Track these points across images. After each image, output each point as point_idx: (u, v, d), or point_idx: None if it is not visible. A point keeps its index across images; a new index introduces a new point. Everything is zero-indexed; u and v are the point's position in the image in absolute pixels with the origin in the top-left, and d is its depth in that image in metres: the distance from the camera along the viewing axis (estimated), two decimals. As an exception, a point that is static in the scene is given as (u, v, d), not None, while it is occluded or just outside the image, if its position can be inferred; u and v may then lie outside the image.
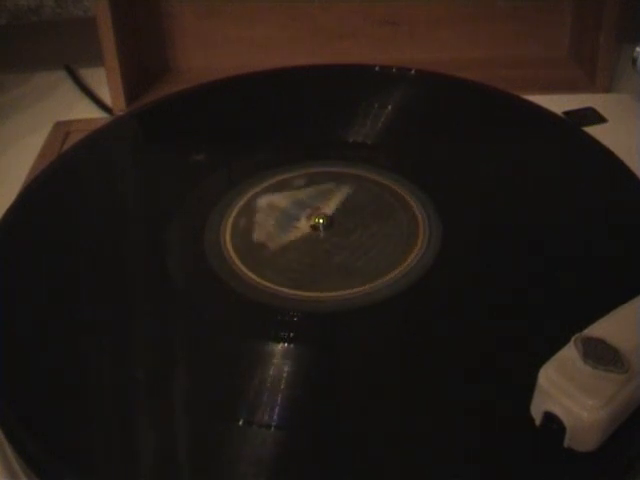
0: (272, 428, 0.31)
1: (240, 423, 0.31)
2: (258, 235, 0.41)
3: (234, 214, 0.44)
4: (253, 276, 0.39)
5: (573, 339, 0.30)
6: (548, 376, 0.29)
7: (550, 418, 0.29)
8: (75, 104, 0.62)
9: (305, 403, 0.33)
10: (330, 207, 0.43)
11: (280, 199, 0.44)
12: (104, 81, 0.60)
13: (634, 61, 0.54)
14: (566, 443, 0.29)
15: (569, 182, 0.45)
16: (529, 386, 0.30)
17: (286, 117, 0.52)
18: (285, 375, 0.34)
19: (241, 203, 0.44)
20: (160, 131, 0.53)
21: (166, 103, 0.55)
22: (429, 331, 0.36)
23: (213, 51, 0.65)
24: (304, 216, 0.43)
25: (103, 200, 0.45)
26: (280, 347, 0.35)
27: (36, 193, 0.45)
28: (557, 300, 0.37)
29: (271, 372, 0.34)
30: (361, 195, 0.45)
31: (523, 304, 0.37)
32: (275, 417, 0.32)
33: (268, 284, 0.39)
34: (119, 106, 0.60)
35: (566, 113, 0.54)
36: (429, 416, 0.32)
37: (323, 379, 0.34)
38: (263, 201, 0.44)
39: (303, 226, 0.42)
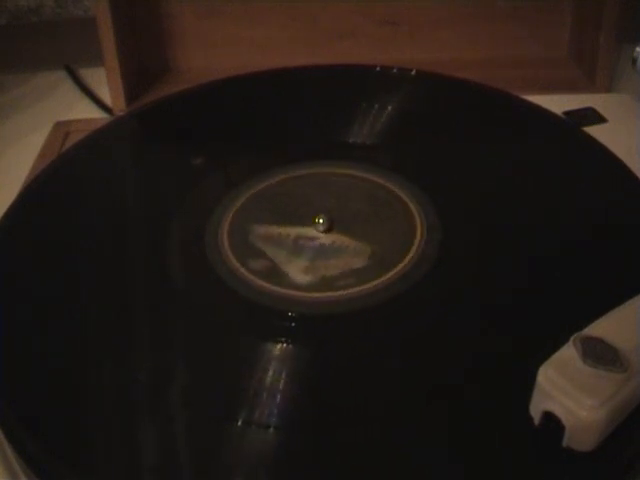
0: (271, 428, 0.31)
1: (239, 423, 0.31)
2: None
3: (234, 214, 0.44)
4: (252, 276, 0.39)
5: (572, 338, 0.30)
6: (547, 375, 0.29)
7: (549, 418, 0.29)
8: (75, 104, 0.62)
9: (304, 403, 0.33)
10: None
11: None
12: (104, 81, 0.60)
13: (634, 61, 0.54)
14: (565, 443, 0.29)
15: (569, 182, 0.45)
16: (528, 386, 0.30)
17: (286, 117, 0.52)
18: (284, 375, 0.34)
19: (241, 204, 0.44)
20: (160, 131, 0.53)
21: (166, 103, 0.55)
22: (428, 331, 0.36)
23: (213, 51, 0.65)
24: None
25: (103, 200, 0.45)
26: (279, 347, 0.35)
27: (36, 193, 0.45)
28: (556, 300, 0.37)
29: (270, 372, 0.34)
30: (361, 195, 0.45)
31: (522, 304, 0.37)
32: (274, 417, 0.32)
33: (267, 284, 0.39)
34: (119, 106, 0.60)
35: (566, 113, 0.54)
36: (428, 416, 0.32)
37: (322, 379, 0.34)
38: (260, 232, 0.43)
39: (304, 228, 0.43)
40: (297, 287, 0.39)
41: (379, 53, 0.65)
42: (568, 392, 0.28)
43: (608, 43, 0.58)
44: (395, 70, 0.55)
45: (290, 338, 0.35)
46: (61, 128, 0.57)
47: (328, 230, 0.42)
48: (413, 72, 0.55)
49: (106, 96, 0.61)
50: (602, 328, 0.31)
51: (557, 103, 0.54)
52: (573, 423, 0.28)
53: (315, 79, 0.56)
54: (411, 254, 0.40)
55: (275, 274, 0.40)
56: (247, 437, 0.31)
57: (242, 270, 0.40)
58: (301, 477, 0.30)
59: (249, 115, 0.52)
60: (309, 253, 0.41)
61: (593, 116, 0.54)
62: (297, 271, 0.40)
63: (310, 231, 0.42)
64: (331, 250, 0.41)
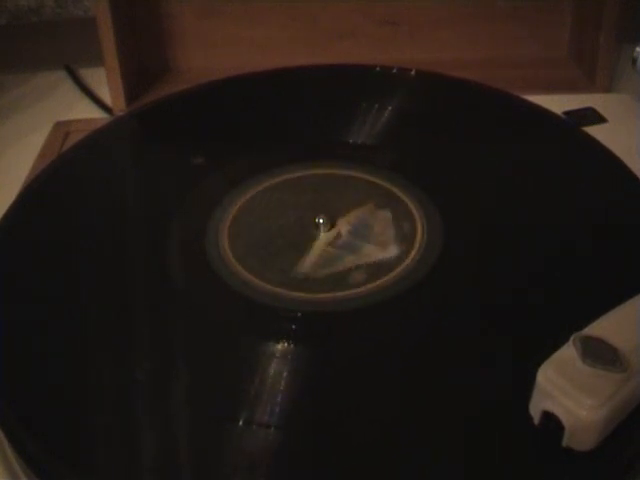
0: (272, 428, 0.31)
1: (240, 423, 0.31)
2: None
3: (234, 214, 0.44)
4: (253, 276, 0.39)
5: (572, 338, 0.30)
6: (547, 375, 0.29)
7: (549, 417, 0.29)
8: (75, 104, 0.62)
9: (304, 403, 0.33)
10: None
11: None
12: (104, 81, 0.60)
13: (634, 61, 0.54)
14: (565, 442, 0.29)
15: (569, 182, 0.45)
16: (528, 385, 0.30)
17: (286, 117, 0.52)
18: (285, 375, 0.34)
19: (241, 203, 0.44)
20: (160, 131, 0.53)
21: (166, 103, 0.55)
22: (428, 331, 0.36)
23: (213, 51, 0.65)
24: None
25: (103, 200, 0.45)
26: (280, 347, 0.35)
27: (36, 193, 0.45)
28: (556, 299, 0.37)
29: (271, 372, 0.34)
30: (361, 196, 0.45)
31: (522, 304, 0.37)
32: (275, 417, 0.32)
33: (268, 284, 0.39)
34: (119, 106, 0.60)
35: (566, 113, 0.54)
36: (428, 416, 0.32)
37: (323, 379, 0.34)
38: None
39: (304, 227, 0.43)
40: (287, 285, 0.39)
41: (379, 53, 0.65)
42: (568, 392, 0.28)
43: (608, 43, 0.58)
44: (395, 70, 0.55)
45: (290, 338, 0.35)
46: (61, 128, 0.57)
47: (328, 230, 0.42)
48: (413, 72, 0.55)
49: (106, 96, 0.61)
50: (602, 328, 0.31)
51: (557, 103, 0.54)
52: (573, 423, 0.28)
53: (315, 79, 0.56)
54: (411, 254, 0.40)
55: (269, 270, 0.40)
56: (247, 437, 0.31)
57: (242, 270, 0.40)
58: (301, 477, 0.30)
59: (249, 115, 0.52)
60: (306, 251, 0.41)
61: (593, 116, 0.54)
62: (303, 268, 0.40)
63: (310, 231, 0.42)
64: (330, 250, 0.41)
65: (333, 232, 0.42)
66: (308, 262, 0.40)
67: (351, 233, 0.42)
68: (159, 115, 0.53)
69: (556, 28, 0.64)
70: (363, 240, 0.42)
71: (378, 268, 0.40)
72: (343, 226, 0.42)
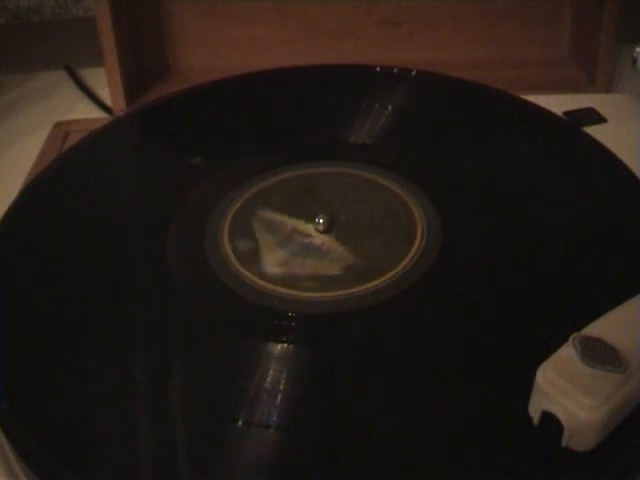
0: (272, 428, 0.31)
1: (240, 423, 0.31)
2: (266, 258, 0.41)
3: (234, 214, 0.44)
4: (253, 276, 0.39)
5: (571, 338, 0.30)
6: (546, 375, 0.29)
7: (548, 417, 0.29)
8: (75, 104, 0.62)
9: (305, 403, 0.33)
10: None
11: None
12: (104, 81, 0.60)
13: (634, 61, 0.54)
14: (564, 443, 0.29)
15: (569, 182, 0.45)
16: (527, 385, 0.30)
17: (286, 117, 0.52)
18: (285, 375, 0.34)
19: (241, 203, 0.44)
20: (160, 131, 0.53)
21: (166, 103, 0.55)
22: (428, 331, 0.36)
23: (213, 51, 0.65)
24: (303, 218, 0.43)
25: (103, 200, 0.45)
26: (280, 347, 0.35)
27: (36, 193, 0.45)
28: (556, 299, 0.37)
29: (271, 372, 0.34)
30: (360, 196, 0.45)
31: (522, 303, 0.37)
32: (275, 417, 0.32)
33: (267, 284, 0.39)
34: (119, 106, 0.60)
35: (566, 113, 0.54)
36: (428, 416, 0.32)
37: (323, 379, 0.34)
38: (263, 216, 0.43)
39: (304, 227, 0.43)
40: (263, 277, 0.39)
41: (379, 53, 0.65)
42: (567, 392, 0.28)
43: (608, 43, 0.58)
44: (395, 70, 0.55)
45: (290, 338, 0.35)
46: (61, 128, 0.57)
47: (326, 231, 0.42)
48: (413, 72, 0.55)
49: (106, 96, 0.61)
50: (601, 328, 0.31)
51: (557, 103, 0.54)
52: (572, 423, 0.28)
53: (315, 79, 0.56)
54: (411, 254, 0.40)
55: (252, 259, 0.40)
56: (247, 437, 0.31)
57: (242, 270, 0.40)
58: (302, 477, 0.30)
59: (249, 115, 0.52)
60: (294, 248, 0.41)
61: (593, 116, 0.54)
62: (272, 262, 0.40)
63: (308, 229, 0.42)
64: (315, 251, 0.41)
65: (333, 231, 0.42)
66: (310, 262, 0.40)
67: (349, 230, 0.42)
68: (159, 115, 0.53)
69: (556, 28, 0.64)
70: (361, 236, 0.42)
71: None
72: (338, 222, 0.42)
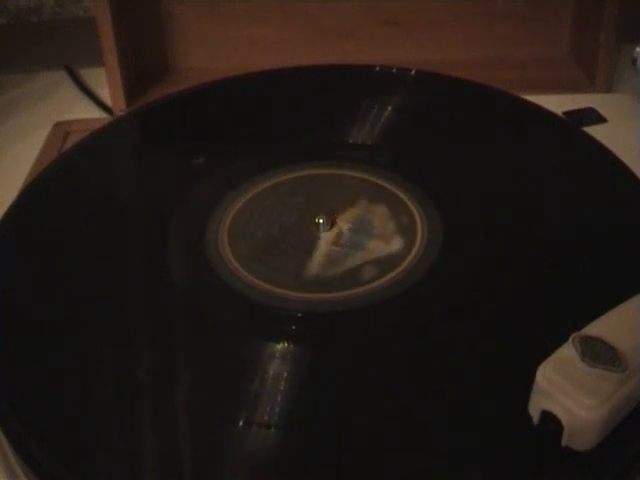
0: (272, 428, 0.31)
1: (240, 423, 0.31)
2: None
3: (234, 214, 0.44)
4: (252, 276, 0.39)
5: (571, 338, 0.30)
6: (546, 375, 0.29)
7: (548, 417, 0.29)
8: (75, 104, 0.62)
9: (305, 403, 0.33)
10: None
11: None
12: (104, 81, 0.60)
13: (634, 61, 0.54)
14: (564, 442, 0.29)
15: (569, 182, 0.45)
16: (527, 385, 0.30)
17: (286, 117, 0.52)
18: (285, 375, 0.34)
19: (241, 203, 0.44)
20: (160, 131, 0.53)
21: (166, 103, 0.55)
22: (428, 331, 0.36)
23: (213, 51, 0.65)
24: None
25: (103, 200, 0.45)
26: (280, 347, 0.35)
27: (36, 193, 0.45)
28: (556, 299, 0.37)
29: (271, 372, 0.34)
30: (361, 196, 0.45)
31: (522, 303, 0.37)
32: (275, 417, 0.32)
33: (267, 284, 0.39)
34: (119, 106, 0.60)
35: (566, 113, 0.54)
36: (428, 416, 0.32)
37: (323, 379, 0.34)
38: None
39: (304, 227, 0.43)
40: (287, 285, 0.39)
41: (379, 53, 0.65)
42: (567, 391, 0.28)
43: (608, 43, 0.58)
44: (395, 70, 0.55)
45: (291, 338, 0.35)
46: (61, 128, 0.57)
47: (328, 230, 0.42)
48: (413, 72, 0.55)
49: (106, 96, 0.61)
50: (601, 327, 0.31)
51: (557, 103, 0.54)
52: (572, 423, 0.28)
53: (315, 79, 0.56)
54: (411, 254, 0.40)
55: (268, 270, 0.40)
56: (247, 437, 0.31)
57: (242, 270, 0.40)
58: (302, 477, 0.30)
59: (249, 115, 0.52)
60: (308, 251, 0.41)
61: (593, 116, 0.54)
62: (309, 268, 0.40)
63: (310, 230, 0.42)
64: (335, 249, 0.41)
65: (334, 231, 0.42)
66: (316, 263, 0.40)
67: (352, 230, 0.42)
68: (159, 115, 0.53)
69: (556, 28, 0.64)
70: (366, 236, 0.42)
71: (387, 262, 0.40)
72: (343, 224, 0.42)
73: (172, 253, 0.41)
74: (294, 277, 0.39)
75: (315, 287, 0.39)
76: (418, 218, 0.43)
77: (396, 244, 0.41)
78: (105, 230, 0.43)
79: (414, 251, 0.40)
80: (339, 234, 0.42)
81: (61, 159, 0.50)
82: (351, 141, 0.50)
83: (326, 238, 0.42)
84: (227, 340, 0.36)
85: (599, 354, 0.29)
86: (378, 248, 0.41)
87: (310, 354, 0.35)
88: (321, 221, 0.42)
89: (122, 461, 0.31)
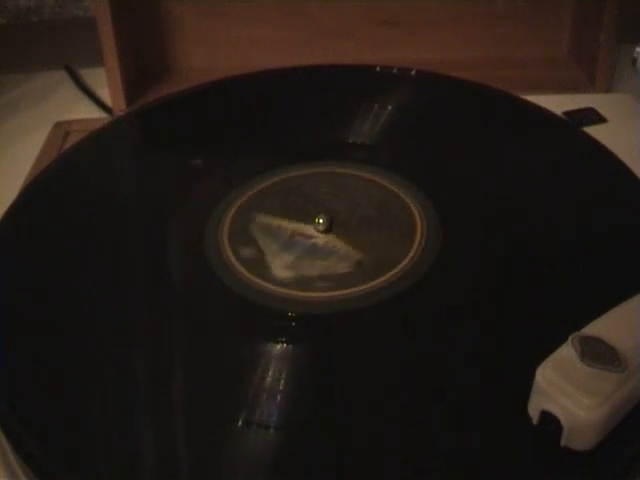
0: (271, 428, 0.31)
1: (240, 423, 0.31)
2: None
3: (234, 214, 0.44)
4: (252, 276, 0.39)
5: (570, 338, 0.30)
6: (545, 375, 0.29)
7: (547, 417, 0.29)
8: (75, 104, 0.62)
9: (305, 403, 0.33)
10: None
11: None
12: (104, 81, 0.60)
13: (634, 61, 0.54)
14: (563, 442, 0.29)
15: (569, 182, 0.45)
16: (527, 385, 0.30)
17: (286, 117, 0.52)
18: (284, 375, 0.34)
19: (241, 203, 0.44)
20: (160, 131, 0.53)
21: (166, 103, 0.55)
22: (428, 330, 0.36)
23: (213, 51, 0.65)
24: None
25: (103, 200, 0.45)
26: (280, 347, 0.35)
27: (36, 193, 0.45)
28: (555, 299, 0.37)
29: (270, 372, 0.34)
30: (361, 196, 0.45)
31: (522, 303, 0.37)
32: (274, 417, 0.32)
33: (267, 284, 0.39)
34: (119, 106, 0.60)
35: (566, 113, 0.54)
36: (428, 415, 0.32)
37: (323, 379, 0.34)
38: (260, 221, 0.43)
39: (303, 227, 0.43)
40: (275, 281, 0.39)
41: (379, 53, 0.65)
42: (566, 392, 0.28)
43: (608, 43, 0.58)
44: (395, 70, 0.55)
45: (290, 338, 0.35)
46: (61, 128, 0.57)
47: (326, 231, 0.42)
48: (413, 72, 0.55)
49: (106, 96, 0.61)
50: (600, 328, 0.31)
51: (557, 103, 0.54)
52: (571, 423, 0.28)
53: (315, 79, 0.56)
54: (411, 254, 0.40)
55: (264, 268, 0.40)
56: (247, 437, 0.31)
57: (242, 270, 0.40)
58: (302, 477, 0.30)
59: (249, 115, 0.52)
60: (298, 250, 0.41)
61: (593, 116, 0.54)
62: (280, 266, 0.40)
63: (308, 230, 0.42)
64: (321, 251, 0.41)
65: (334, 230, 0.42)
66: (319, 263, 0.40)
67: (351, 229, 0.42)
68: (159, 115, 0.53)
69: (556, 28, 0.64)
70: (364, 236, 0.42)
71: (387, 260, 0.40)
72: (340, 223, 0.42)
73: (172, 253, 0.41)
74: (293, 277, 0.39)
75: (315, 287, 0.39)
76: (417, 218, 0.43)
77: (396, 246, 0.41)
78: (105, 230, 0.43)
79: (413, 251, 0.40)
80: (337, 235, 0.42)
81: (61, 159, 0.50)
82: (351, 141, 0.50)
83: (324, 238, 0.42)
84: (226, 340, 0.36)
85: (598, 354, 0.29)
86: (377, 247, 0.41)
87: (309, 354, 0.35)
88: (321, 221, 0.42)
89: (122, 461, 0.31)
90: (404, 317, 0.37)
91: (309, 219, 0.42)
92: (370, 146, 0.49)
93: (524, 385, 0.30)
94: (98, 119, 0.58)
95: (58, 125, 0.58)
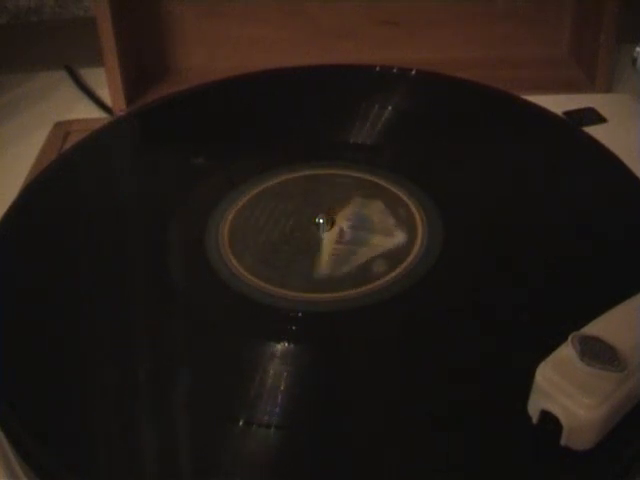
0: (272, 428, 0.31)
1: (240, 423, 0.31)
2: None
3: (234, 214, 0.44)
4: (252, 276, 0.39)
5: (570, 337, 0.30)
6: (545, 374, 0.29)
7: (547, 416, 0.29)
8: (75, 104, 0.62)
9: (305, 403, 0.33)
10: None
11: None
12: (104, 81, 0.60)
13: (634, 61, 0.54)
14: (563, 442, 0.29)
15: (569, 182, 0.45)
16: (527, 384, 0.30)
17: (286, 117, 0.52)
18: (285, 375, 0.34)
19: (241, 204, 0.44)
20: (160, 131, 0.53)
21: (166, 103, 0.55)
22: (428, 330, 0.36)
23: (213, 51, 0.65)
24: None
25: (103, 200, 0.45)
26: (280, 347, 0.35)
27: (36, 193, 0.45)
28: (555, 299, 0.37)
29: (271, 372, 0.34)
30: (361, 196, 0.45)
31: (521, 303, 0.37)
32: (275, 417, 0.32)
33: (267, 284, 0.39)
34: (119, 106, 0.60)
35: (566, 113, 0.54)
36: (428, 415, 0.32)
37: (323, 379, 0.34)
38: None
39: (304, 227, 0.43)
40: (286, 285, 0.39)
41: (379, 53, 0.65)
42: (566, 391, 0.28)
43: (608, 43, 0.58)
44: (395, 70, 0.55)
45: (290, 338, 0.35)
46: (61, 128, 0.57)
47: (328, 230, 0.42)
48: (413, 72, 0.55)
49: (106, 96, 0.61)
50: (600, 327, 0.31)
51: (557, 103, 0.54)
52: (571, 422, 0.28)
53: (315, 79, 0.56)
54: (411, 254, 0.40)
55: (269, 270, 0.40)
56: (247, 437, 0.31)
57: (242, 270, 0.40)
58: (302, 477, 0.30)
59: (249, 115, 0.52)
60: (309, 252, 0.41)
61: (593, 116, 0.54)
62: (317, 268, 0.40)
63: (310, 230, 0.42)
64: (339, 247, 0.41)
65: (335, 230, 0.42)
66: (324, 263, 0.40)
67: (352, 228, 0.42)
68: (159, 115, 0.54)
69: (556, 28, 0.64)
70: (367, 232, 0.42)
71: (393, 255, 0.40)
72: (342, 222, 0.42)
73: (172, 253, 0.41)
74: (299, 277, 0.39)
75: (314, 287, 0.39)
76: (418, 218, 0.43)
77: (399, 237, 0.41)
78: (105, 230, 0.43)
79: (414, 252, 0.40)
80: (340, 232, 0.42)
81: (61, 159, 0.50)
82: (351, 141, 0.50)
83: (329, 237, 0.42)
84: (227, 340, 0.36)
85: (598, 354, 0.29)
86: (382, 242, 0.41)
87: (310, 354, 0.35)
88: (321, 221, 0.42)
89: (122, 461, 0.31)
90: (405, 317, 0.37)
91: (310, 219, 0.42)
92: (370, 146, 0.49)
93: (524, 385, 0.30)
94: (98, 119, 0.58)
95: (58, 125, 0.58)
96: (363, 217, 0.43)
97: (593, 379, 0.29)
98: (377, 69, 0.56)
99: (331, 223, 0.42)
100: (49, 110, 0.61)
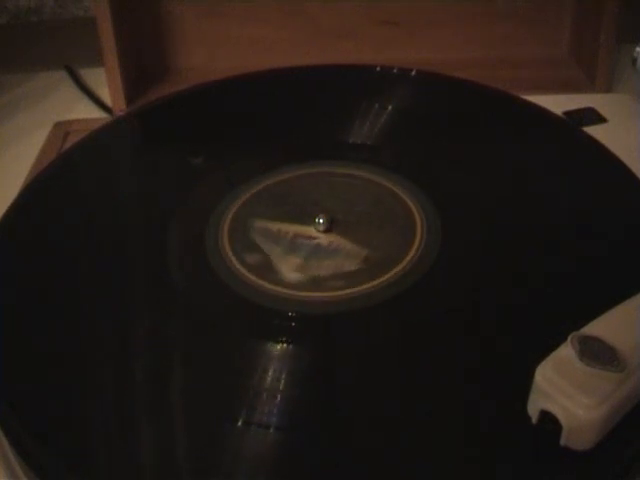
0: (271, 428, 0.31)
1: (240, 423, 0.31)
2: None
3: (234, 214, 0.44)
4: (252, 276, 0.39)
5: (570, 338, 0.30)
6: (545, 375, 0.29)
7: (547, 417, 0.29)
8: (75, 104, 0.62)
9: (305, 403, 0.33)
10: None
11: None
12: (104, 81, 0.60)
13: (634, 61, 0.54)
14: (562, 442, 0.29)
15: (569, 182, 0.45)
16: (526, 385, 0.30)
17: (286, 117, 0.52)
18: (285, 375, 0.34)
19: (241, 203, 0.44)
20: (160, 131, 0.53)
21: (166, 103, 0.55)
22: (428, 330, 0.36)
23: (213, 51, 0.65)
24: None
25: (103, 200, 0.45)
26: (280, 347, 0.35)
27: (36, 193, 0.45)
28: (555, 299, 0.37)
29: (271, 372, 0.34)
30: (361, 196, 0.45)
31: (521, 303, 0.37)
32: (274, 417, 0.32)
33: (267, 284, 0.39)
34: (119, 106, 0.60)
35: (566, 113, 0.54)
36: (428, 415, 0.32)
37: (323, 379, 0.34)
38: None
39: (303, 226, 0.43)
40: (286, 285, 0.39)
41: (379, 53, 0.65)
42: (565, 391, 0.28)
43: (608, 43, 0.58)
44: (395, 70, 0.55)
45: (290, 338, 0.35)
46: (61, 128, 0.57)
47: (327, 230, 0.42)
48: (413, 72, 0.55)
49: (106, 96, 0.61)
50: (600, 327, 0.31)
51: (557, 103, 0.54)
52: (570, 422, 0.28)
53: (315, 79, 0.56)
54: (411, 254, 0.40)
55: (268, 270, 0.40)
56: (247, 437, 0.31)
57: (242, 270, 0.40)
58: (302, 477, 0.30)
59: (249, 115, 0.52)
60: (304, 252, 0.41)
61: (593, 116, 0.54)
62: (289, 269, 0.40)
63: (309, 230, 0.42)
64: (326, 251, 0.41)
65: (332, 230, 0.42)
66: (322, 263, 0.40)
67: (351, 227, 0.42)
68: (159, 115, 0.54)
69: (556, 28, 0.64)
70: (366, 231, 0.42)
71: (393, 255, 0.40)
72: (341, 222, 0.42)
73: (172, 253, 0.41)
74: (299, 277, 0.39)
75: (314, 287, 0.39)
76: (418, 218, 0.43)
77: (399, 237, 0.41)
78: (105, 230, 0.43)
79: (413, 251, 0.40)
80: (339, 232, 0.42)
81: (61, 159, 0.50)
82: (351, 141, 0.50)
83: (323, 238, 0.42)
84: (227, 340, 0.36)
85: (598, 354, 0.29)
86: (381, 242, 0.41)
87: (309, 354, 0.35)
88: (321, 221, 0.42)
89: (122, 461, 0.31)
90: (404, 317, 0.37)
91: (309, 219, 0.42)
92: (370, 146, 0.49)
93: (524, 385, 0.30)
94: (98, 119, 0.58)
95: (58, 125, 0.58)
96: (362, 217, 0.43)
97: (593, 379, 0.29)
98: (377, 69, 0.56)
99: (330, 223, 0.42)
100: (49, 110, 0.61)
